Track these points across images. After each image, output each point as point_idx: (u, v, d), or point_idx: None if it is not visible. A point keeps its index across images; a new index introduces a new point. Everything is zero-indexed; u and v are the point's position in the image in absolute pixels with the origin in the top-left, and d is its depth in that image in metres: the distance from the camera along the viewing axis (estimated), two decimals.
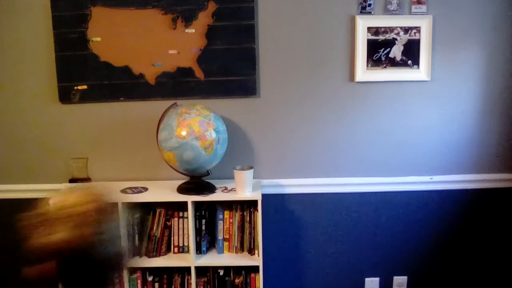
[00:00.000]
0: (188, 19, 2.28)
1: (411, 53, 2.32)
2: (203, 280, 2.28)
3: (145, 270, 2.28)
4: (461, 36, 2.32)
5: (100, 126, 2.40)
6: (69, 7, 2.27)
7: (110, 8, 2.28)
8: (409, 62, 2.33)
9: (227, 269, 2.30)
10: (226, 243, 2.28)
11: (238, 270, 2.30)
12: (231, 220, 2.26)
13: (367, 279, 2.54)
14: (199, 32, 2.29)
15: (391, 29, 2.30)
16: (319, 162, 2.43)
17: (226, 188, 2.27)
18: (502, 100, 2.38)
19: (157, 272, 2.30)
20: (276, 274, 2.50)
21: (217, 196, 2.21)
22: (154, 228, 2.25)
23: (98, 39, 2.30)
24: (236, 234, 2.27)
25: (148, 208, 2.27)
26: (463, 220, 2.49)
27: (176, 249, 2.29)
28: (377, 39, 2.31)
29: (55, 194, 1.08)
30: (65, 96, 2.35)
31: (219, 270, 2.28)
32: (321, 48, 2.33)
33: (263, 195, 2.20)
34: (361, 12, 2.29)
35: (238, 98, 2.36)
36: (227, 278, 2.28)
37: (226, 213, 2.25)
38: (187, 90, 2.34)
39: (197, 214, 2.24)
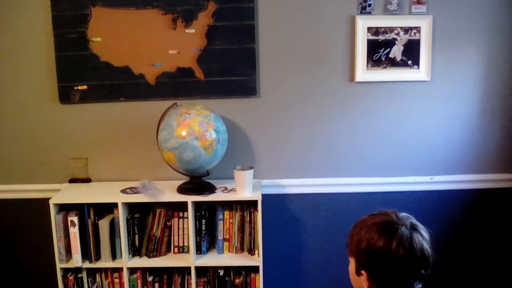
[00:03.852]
0: (188, 19, 2.28)
1: (411, 53, 2.32)
2: (203, 280, 2.28)
3: (145, 270, 2.28)
4: (461, 36, 2.32)
5: (100, 126, 2.40)
6: (69, 7, 2.27)
7: (110, 8, 2.27)
8: (409, 62, 2.33)
9: (227, 269, 2.30)
10: (226, 243, 2.28)
11: (238, 270, 2.30)
12: (231, 220, 2.26)
13: None
14: (199, 32, 2.29)
15: (391, 29, 2.30)
16: (319, 162, 2.43)
17: (226, 188, 2.27)
18: (502, 100, 2.38)
19: (157, 272, 2.30)
20: (276, 274, 2.49)
21: (217, 196, 2.21)
22: (154, 228, 2.26)
23: (98, 39, 2.30)
24: (236, 234, 2.27)
25: (148, 208, 2.27)
26: (463, 220, 2.48)
27: (176, 249, 2.29)
28: (377, 39, 2.31)
29: None
30: (65, 96, 2.35)
31: (219, 270, 2.28)
32: (321, 48, 2.33)
33: (263, 195, 2.20)
34: (361, 12, 2.29)
35: (238, 98, 2.36)
36: (227, 278, 2.28)
37: (226, 213, 2.25)
38: (187, 90, 2.34)
39: (197, 214, 2.24)
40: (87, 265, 2.22)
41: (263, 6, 2.29)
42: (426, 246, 1.21)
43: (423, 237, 1.22)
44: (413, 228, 1.22)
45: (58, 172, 2.42)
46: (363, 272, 1.22)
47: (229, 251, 2.29)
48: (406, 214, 1.27)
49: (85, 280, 2.26)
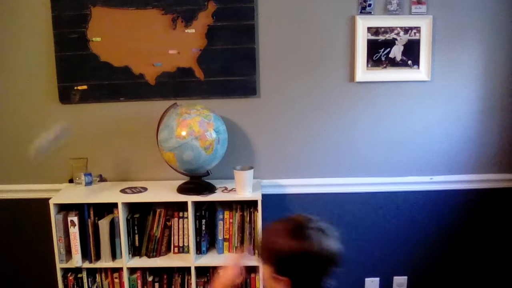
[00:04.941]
0: (188, 19, 2.28)
1: (411, 53, 2.32)
2: (203, 280, 2.28)
3: (145, 270, 2.28)
4: (461, 36, 2.32)
5: (100, 126, 2.40)
6: (69, 7, 2.27)
7: (110, 8, 2.27)
8: (409, 62, 2.33)
9: None
10: (226, 243, 2.28)
11: None
12: (231, 220, 2.26)
13: (367, 279, 2.54)
14: (199, 32, 2.29)
15: (391, 29, 2.30)
16: (319, 162, 2.43)
17: (226, 188, 2.27)
18: (502, 100, 2.38)
19: (157, 272, 2.30)
20: None
21: (217, 196, 2.21)
22: (154, 228, 2.26)
23: (98, 39, 2.30)
24: (236, 234, 2.27)
25: (148, 208, 2.27)
26: (463, 220, 2.48)
27: (176, 249, 2.29)
28: (377, 39, 2.31)
29: None
30: (65, 96, 2.35)
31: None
32: (321, 48, 2.33)
33: (263, 195, 2.20)
34: (361, 12, 2.29)
35: (238, 98, 2.36)
36: None
37: (226, 213, 2.25)
38: (187, 90, 2.34)
39: (197, 214, 2.24)
40: (87, 265, 2.22)
41: (263, 6, 2.29)
42: (337, 244, 1.30)
43: (333, 237, 1.29)
44: (322, 229, 1.28)
45: (58, 172, 2.42)
46: (281, 277, 1.24)
47: (229, 251, 2.29)
48: (313, 217, 1.31)
49: (85, 280, 2.26)
